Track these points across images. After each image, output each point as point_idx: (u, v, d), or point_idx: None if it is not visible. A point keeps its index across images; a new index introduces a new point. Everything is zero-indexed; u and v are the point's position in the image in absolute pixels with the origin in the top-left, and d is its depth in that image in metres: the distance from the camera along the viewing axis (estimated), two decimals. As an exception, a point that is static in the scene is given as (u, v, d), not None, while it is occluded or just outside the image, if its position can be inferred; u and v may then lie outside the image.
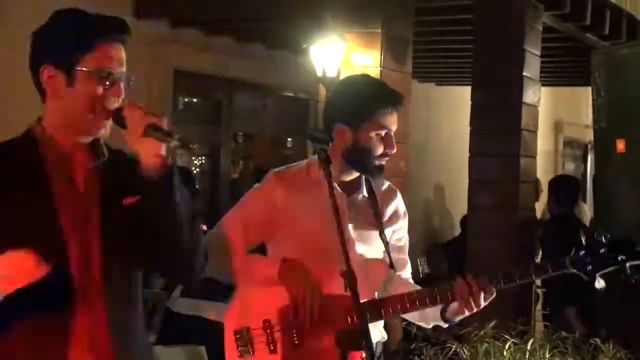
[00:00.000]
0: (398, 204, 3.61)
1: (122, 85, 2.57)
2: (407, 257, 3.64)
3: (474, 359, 5.28)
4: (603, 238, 3.35)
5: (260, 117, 10.21)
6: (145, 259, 2.67)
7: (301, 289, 3.24)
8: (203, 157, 9.86)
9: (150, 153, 2.51)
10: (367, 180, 3.51)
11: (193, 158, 9.78)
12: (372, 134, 3.35)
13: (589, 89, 7.28)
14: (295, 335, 3.28)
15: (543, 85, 8.16)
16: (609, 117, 6.98)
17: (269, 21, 8.14)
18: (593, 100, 7.10)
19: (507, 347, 5.23)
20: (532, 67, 7.38)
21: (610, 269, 3.31)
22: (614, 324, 6.67)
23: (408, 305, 3.31)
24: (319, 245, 3.30)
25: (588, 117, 9.90)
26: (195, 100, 9.70)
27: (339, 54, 6.89)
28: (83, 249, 2.51)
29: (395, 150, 3.42)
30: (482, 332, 5.40)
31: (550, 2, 7.42)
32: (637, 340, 5.78)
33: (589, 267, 3.30)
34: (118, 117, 2.53)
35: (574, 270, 3.30)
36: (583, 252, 3.31)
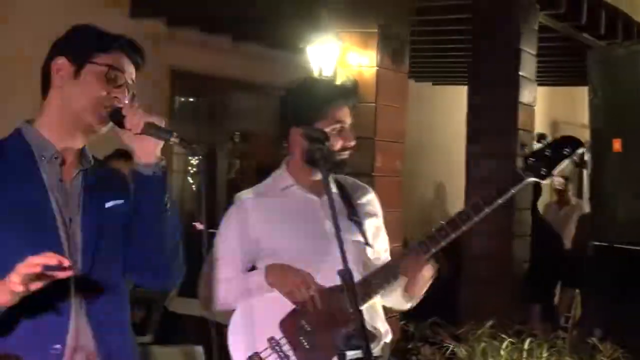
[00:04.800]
0: (372, 199, 3.64)
1: (126, 92, 2.62)
2: (388, 253, 3.67)
3: (471, 358, 5.29)
4: (543, 141, 3.53)
5: (257, 117, 10.20)
6: (126, 261, 2.70)
7: (291, 278, 3.28)
8: (199, 157, 9.83)
9: (147, 151, 2.60)
10: (335, 179, 3.55)
11: (189, 157, 9.77)
12: (328, 130, 3.37)
13: (586, 88, 7.29)
14: (304, 340, 3.28)
15: (539, 85, 8.16)
16: (606, 117, 6.98)
17: (265, 21, 8.13)
18: (589, 100, 7.10)
19: (504, 346, 5.23)
20: (528, 67, 7.38)
21: (563, 163, 3.48)
22: (609, 323, 6.68)
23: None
24: (303, 249, 3.35)
25: (584, 117, 9.89)
26: (191, 99, 9.69)
27: (335, 54, 6.89)
28: (69, 249, 2.54)
29: (354, 143, 3.45)
30: (480, 331, 5.40)
31: (546, 2, 7.43)
32: (633, 340, 5.78)
33: (543, 170, 3.43)
34: (117, 117, 2.58)
35: (532, 178, 3.43)
36: (532, 159, 3.44)
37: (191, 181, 9.73)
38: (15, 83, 6.22)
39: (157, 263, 2.72)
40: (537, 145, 3.59)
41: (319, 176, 3.43)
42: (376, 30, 6.73)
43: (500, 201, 3.40)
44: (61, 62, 2.59)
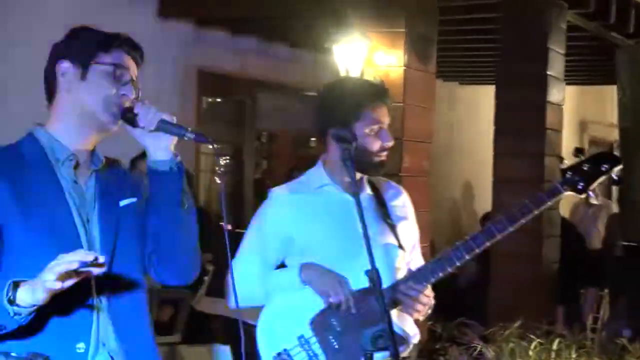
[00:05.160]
0: (405, 201, 3.62)
1: (133, 89, 2.63)
2: (419, 253, 3.65)
3: (499, 358, 5.27)
4: (582, 156, 3.51)
5: (283, 117, 10.21)
6: (145, 258, 2.73)
7: (325, 278, 3.26)
8: (227, 157, 9.88)
9: (161, 147, 2.63)
10: (369, 180, 3.52)
11: (217, 157, 9.79)
12: (367, 130, 3.36)
13: (614, 87, 7.26)
14: (333, 340, 3.28)
15: (568, 84, 8.13)
16: (634, 116, 6.96)
17: (292, 21, 8.14)
18: (618, 98, 7.07)
19: (532, 346, 5.21)
20: (556, 66, 7.35)
21: (600, 179, 3.48)
22: (638, 324, 6.65)
23: None
24: (335, 248, 3.33)
25: (613, 116, 9.86)
26: (218, 100, 9.72)
27: (362, 54, 6.88)
28: (89, 248, 2.55)
29: (392, 142, 3.43)
30: (508, 332, 5.39)
31: (575, 1, 7.39)
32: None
33: (580, 185, 3.43)
34: (128, 115, 2.60)
35: (569, 192, 3.44)
36: (569, 173, 3.44)
37: (218, 181, 9.75)
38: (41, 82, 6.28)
39: (175, 258, 2.74)
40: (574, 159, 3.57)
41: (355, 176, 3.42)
42: (403, 29, 6.71)
43: (536, 212, 3.39)
44: (65, 65, 2.60)
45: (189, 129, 2.60)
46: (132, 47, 2.67)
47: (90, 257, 2.24)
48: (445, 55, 8.35)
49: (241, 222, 8.61)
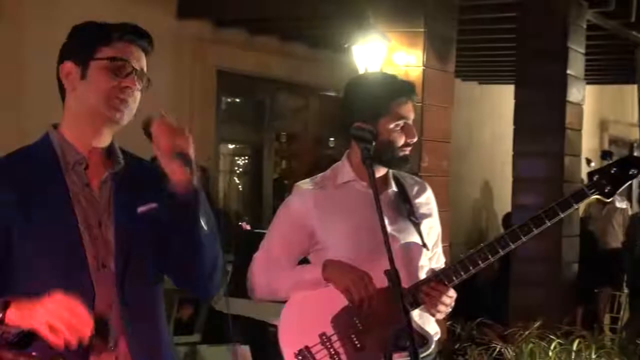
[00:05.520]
0: (429, 197, 3.60)
1: (136, 79, 2.56)
2: (440, 249, 3.64)
3: (518, 359, 5.26)
4: (609, 159, 3.48)
5: (302, 117, 10.22)
6: (164, 268, 2.67)
7: (349, 275, 3.24)
8: (246, 157, 9.90)
9: (177, 173, 2.50)
10: (395, 176, 3.51)
11: (236, 157, 9.82)
12: (392, 126, 3.35)
13: (635, 86, 7.23)
14: (355, 338, 3.27)
15: (587, 83, 8.10)
16: (655, 115, 6.92)
17: (311, 21, 8.15)
18: (638, 97, 7.04)
19: (552, 347, 5.20)
20: (576, 65, 7.32)
21: (628, 183, 3.44)
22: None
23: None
24: (358, 245, 3.31)
25: (633, 115, 9.82)
26: (238, 100, 9.73)
27: (382, 53, 6.88)
28: (98, 253, 2.52)
29: (416, 139, 3.43)
30: (527, 332, 5.37)
31: (595, 0, 7.37)
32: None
33: (607, 189, 3.40)
34: (147, 130, 2.52)
35: (597, 196, 3.41)
36: (597, 176, 3.40)
37: (237, 181, 9.78)
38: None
39: (196, 275, 2.66)
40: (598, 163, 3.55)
41: (380, 172, 3.41)
42: (423, 29, 6.71)
43: (562, 216, 3.38)
44: (68, 66, 2.58)
45: (195, 166, 2.49)
46: (138, 36, 2.61)
47: (87, 337, 2.24)
48: (464, 54, 8.34)
49: (260, 222, 8.62)
